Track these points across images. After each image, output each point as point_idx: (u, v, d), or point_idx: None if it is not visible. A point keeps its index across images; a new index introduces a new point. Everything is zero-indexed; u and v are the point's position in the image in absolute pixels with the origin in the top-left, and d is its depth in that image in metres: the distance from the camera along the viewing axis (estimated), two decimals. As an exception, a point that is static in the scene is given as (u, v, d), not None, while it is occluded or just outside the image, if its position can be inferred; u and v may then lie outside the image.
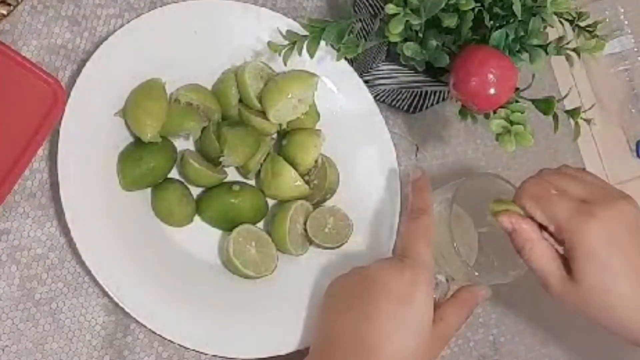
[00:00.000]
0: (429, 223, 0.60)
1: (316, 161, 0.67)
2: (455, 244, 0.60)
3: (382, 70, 0.68)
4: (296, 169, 0.66)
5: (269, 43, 0.66)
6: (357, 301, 0.56)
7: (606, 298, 0.54)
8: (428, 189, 0.63)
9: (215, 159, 0.63)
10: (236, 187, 0.64)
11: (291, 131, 0.67)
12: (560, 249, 0.57)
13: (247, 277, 0.63)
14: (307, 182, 0.66)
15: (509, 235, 0.58)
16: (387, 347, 0.54)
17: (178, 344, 0.58)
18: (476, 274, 0.61)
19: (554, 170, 0.60)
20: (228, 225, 0.64)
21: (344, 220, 0.67)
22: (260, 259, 0.63)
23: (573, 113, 0.67)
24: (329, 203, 0.68)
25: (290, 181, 0.65)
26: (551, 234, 0.57)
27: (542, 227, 0.57)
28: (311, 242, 0.66)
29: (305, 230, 0.65)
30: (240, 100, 0.66)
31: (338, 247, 0.66)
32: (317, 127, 0.68)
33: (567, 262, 0.55)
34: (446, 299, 0.60)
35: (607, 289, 0.54)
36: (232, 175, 0.66)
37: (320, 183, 0.67)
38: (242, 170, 0.66)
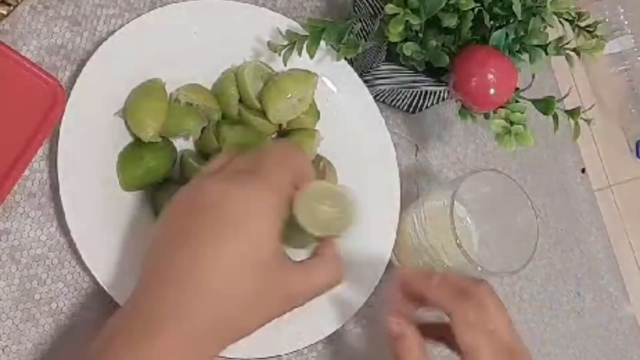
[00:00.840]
0: (296, 161, 0.52)
1: (317, 164, 0.67)
2: (457, 239, 0.60)
3: (382, 70, 0.68)
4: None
5: (268, 43, 0.66)
6: (188, 233, 0.47)
7: None
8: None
9: (214, 157, 0.63)
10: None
11: (289, 132, 0.67)
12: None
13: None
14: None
15: (391, 339, 0.54)
16: (215, 286, 0.46)
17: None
18: (478, 268, 0.61)
19: (491, 292, 0.55)
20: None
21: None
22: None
23: (573, 113, 0.67)
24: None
25: None
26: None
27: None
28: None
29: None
30: (240, 100, 0.66)
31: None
32: (317, 127, 0.68)
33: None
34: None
35: None
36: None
37: (318, 187, 0.67)
38: (242, 170, 0.66)
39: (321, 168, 0.67)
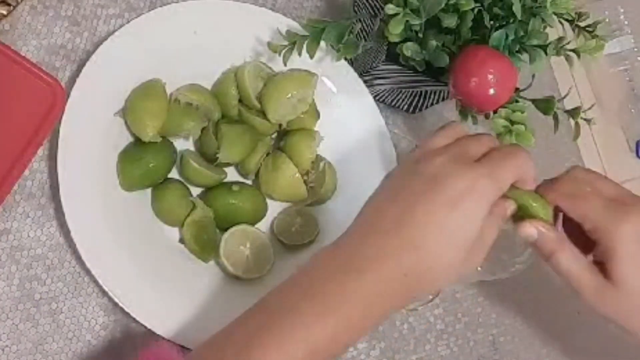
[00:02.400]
0: (524, 161, 0.53)
1: (318, 165, 0.67)
2: None
3: (382, 70, 0.68)
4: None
5: (268, 43, 0.66)
6: (404, 192, 0.51)
7: None
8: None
9: (213, 156, 0.63)
10: (236, 188, 0.64)
11: (289, 132, 0.67)
12: (590, 257, 0.54)
13: (237, 278, 0.63)
14: (304, 182, 0.66)
15: (532, 245, 0.55)
16: (422, 248, 0.49)
17: (177, 344, 0.58)
18: (479, 268, 0.61)
19: (584, 170, 0.57)
20: (228, 225, 0.64)
21: (310, 220, 0.67)
22: (253, 261, 0.63)
23: (573, 113, 0.67)
24: (328, 204, 0.68)
25: (289, 176, 0.65)
26: (580, 238, 0.54)
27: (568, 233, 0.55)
28: (279, 241, 0.66)
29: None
30: (240, 100, 0.66)
31: (306, 244, 0.67)
32: (317, 127, 0.69)
33: (602, 267, 0.53)
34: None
35: None
36: (232, 176, 0.66)
37: (316, 187, 0.67)
38: (242, 170, 0.66)
39: (321, 168, 0.67)
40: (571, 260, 0.53)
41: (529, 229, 0.53)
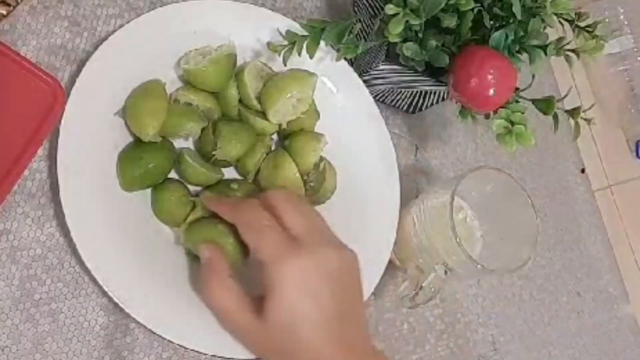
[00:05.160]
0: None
1: (318, 165, 0.67)
2: (457, 237, 0.60)
3: (382, 70, 0.68)
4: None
5: (268, 43, 0.66)
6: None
7: (291, 341, 0.51)
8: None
9: (211, 154, 0.63)
10: (235, 185, 0.64)
11: (295, 132, 0.67)
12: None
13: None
14: (304, 182, 0.66)
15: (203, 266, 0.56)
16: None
17: (178, 344, 0.58)
18: (478, 266, 0.61)
19: (287, 196, 0.57)
20: (227, 223, 0.64)
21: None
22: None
23: (573, 113, 0.67)
24: (327, 203, 0.68)
25: (289, 175, 0.65)
26: None
27: None
28: None
29: None
30: (240, 100, 0.66)
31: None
32: (317, 127, 0.68)
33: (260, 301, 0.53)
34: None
35: (293, 331, 0.51)
36: (232, 176, 0.66)
37: (316, 187, 0.67)
38: (241, 170, 0.66)
39: (321, 169, 0.67)
40: (226, 289, 0.54)
41: (204, 251, 0.57)
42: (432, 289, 0.62)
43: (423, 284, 0.62)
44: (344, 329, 0.52)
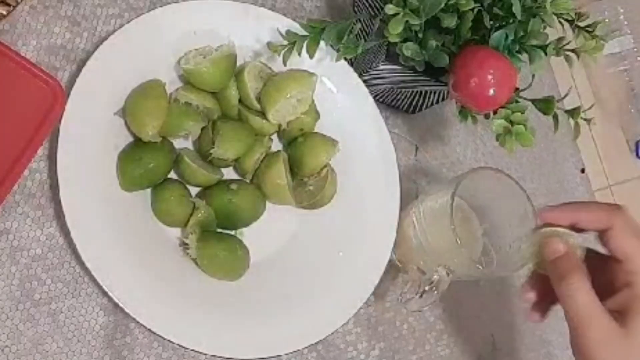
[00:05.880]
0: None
1: (322, 170, 0.67)
2: (457, 238, 0.60)
3: (382, 70, 0.68)
4: (301, 170, 0.66)
5: (268, 43, 0.66)
6: None
7: None
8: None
9: (209, 153, 0.63)
10: (234, 186, 0.64)
11: (311, 133, 0.68)
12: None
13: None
14: (303, 184, 0.66)
15: (551, 262, 0.54)
16: None
17: (177, 344, 0.58)
18: (479, 267, 0.61)
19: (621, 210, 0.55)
20: (227, 223, 0.64)
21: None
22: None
23: (573, 113, 0.67)
24: (327, 206, 0.68)
25: (275, 174, 0.64)
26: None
27: None
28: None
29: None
30: (240, 101, 0.66)
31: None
32: (317, 127, 0.69)
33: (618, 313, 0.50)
34: None
35: None
36: (231, 176, 0.66)
37: (315, 192, 0.67)
38: (240, 170, 0.66)
39: (323, 174, 0.67)
40: (584, 291, 0.51)
41: (554, 244, 0.54)
42: (436, 292, 0.61)
43: (426, 287, 0.62)
44: None
